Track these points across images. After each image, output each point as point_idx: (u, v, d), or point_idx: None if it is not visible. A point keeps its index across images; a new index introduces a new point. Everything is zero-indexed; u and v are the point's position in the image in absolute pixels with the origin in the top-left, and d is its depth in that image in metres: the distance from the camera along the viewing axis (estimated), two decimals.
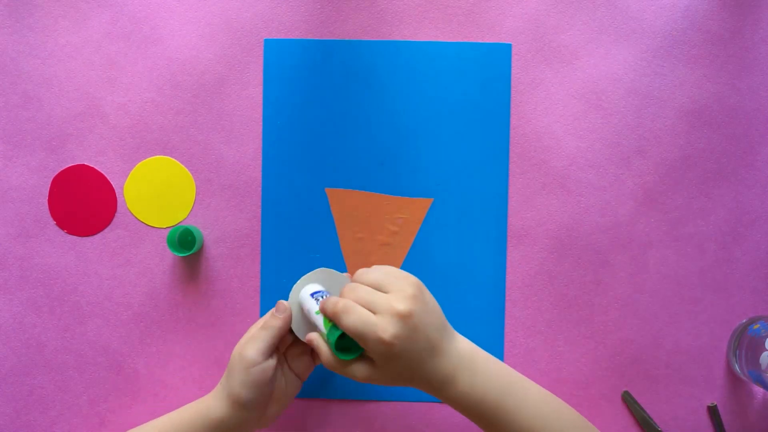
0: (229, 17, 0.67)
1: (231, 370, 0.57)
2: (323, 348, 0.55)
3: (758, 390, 0.66)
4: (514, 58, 0.66)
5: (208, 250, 0.67)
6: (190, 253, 0.64)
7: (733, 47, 0.66)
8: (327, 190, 0.67)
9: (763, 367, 0.60)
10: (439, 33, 0.67)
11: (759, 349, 0.61)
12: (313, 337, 0.56)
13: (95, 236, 0.67)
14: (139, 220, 0.66)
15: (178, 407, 0.66)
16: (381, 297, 0.52)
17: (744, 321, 0.66)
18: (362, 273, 0.56)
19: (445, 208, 0.66)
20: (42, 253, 0.67)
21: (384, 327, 0.51)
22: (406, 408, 0.66)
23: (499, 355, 0.66)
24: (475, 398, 0.53)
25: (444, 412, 0.66)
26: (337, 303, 0.53)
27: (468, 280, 0.66)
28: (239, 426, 0.57)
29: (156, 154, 0.67)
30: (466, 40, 0.66)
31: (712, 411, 0.65)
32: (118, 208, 0.67)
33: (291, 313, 0.57)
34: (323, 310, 0.54)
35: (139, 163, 0.66)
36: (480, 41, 0.66)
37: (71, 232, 0.65)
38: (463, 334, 0.58)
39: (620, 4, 0.66)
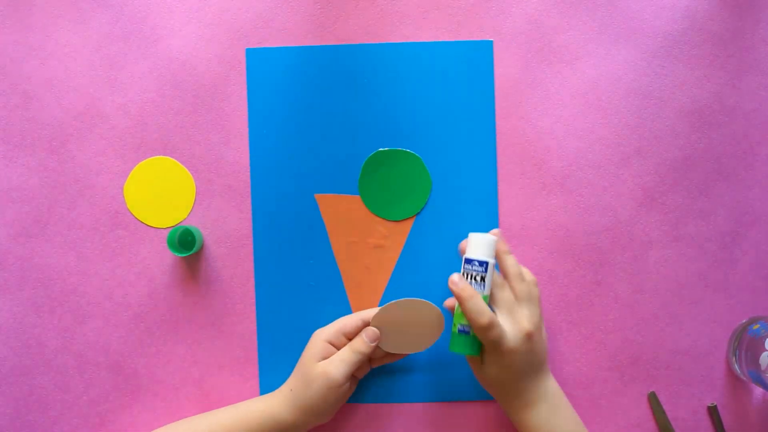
0: (228, 18, 0.67)
1: (310, 384, 0.60)
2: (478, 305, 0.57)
3: (758, 390, 0.66)
4: (513, 58, 0.67)
5: (208, 250, 0.67)
6: (190, 253, 0.64)
7: (733, 47, 0.66)
8: (317, 196, 0.66)
9: (763, 367, 0.60)
10: (439, 34, 0.67)
11: (759, 349, 0.61)
12: (449, 305, 0.63)
13: (95, 236, 0.67)
14: (138, 220, 0.66)
15: (178, 407, 0.66)
16: (518, 312, 0.59)
17: (744, 321, 0.66)
18: (514, 276, 0.60)
19: (436, 208, 0.66)
20: (42, 253, 0.67)
21: (511, 338, 0.57)
22: (406, 409, 0.66)
23: None
24: (545, 430, 0.59)
25: (444, 412, 0.66)
26: (483, 316, 0.56)
27: None
28: (305, 426, 0.61)
29: (156, 154, 0.67)
30: (465, 40, 0.66)
31: (712, 411, 0.65)
32: (118, 208, 0.67)
33: (379, 340, 0.61)
34: (465, 310, 0.57)
35: (139, 163, 0.66)
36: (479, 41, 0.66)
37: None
38: None
39: (620, 4, 0.66)
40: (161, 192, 0.66)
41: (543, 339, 0.60)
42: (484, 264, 0.58)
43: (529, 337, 0.58)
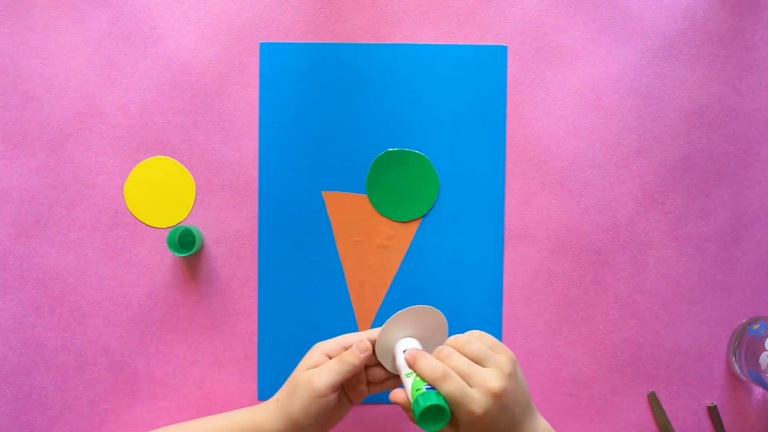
0: (228, 18, 0.67)
1: (294, 392, 0.57)
2: (409, 411, 0.55)
3: (758, 390, 0.66)
4: (513, 58, 0.67)
5: (208, 250, 0.67)
6: (190, 253, 0.63)
7: (733, 47, 0.66)
8: (324, 193, 0.67)
9: (763, 367, 0.60)
10: (439, 34, 0.67)
11: (759, 349, 0.61)
12: (400, 399, 0.55)
13: (95, 236, 0.67)
14: (139, 220, 0.66)
15: (178, 407, 0.66)
16: (478, 371, 0.53)
17: (744, 321, 0.66)
18: (462, 343, 0.56)
19: (443, 210, 0.66)
20: (42, 253, 0.67)
21: (478, 401, 0.52)
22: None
23: None
24: None
25: None
26: (436, 369, 0.53)
27: (465, 281, 0.66)
28: None
29: (156, 154, 0.67)
30: (465, 41, 0.66)
31: (712, 411, 0.65)
32: (118, 208, 0.67)
33: (370, 353, 0.57)
34: (415, 368, 0.54)
35: (139, 163, 0.66)
36: (480, 41, 0.66)
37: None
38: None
39: (620, 4, 0.66)
40: (161, 192, 0.66)
41: (518, 385, 0.55)
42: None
43: (497, 396, 0.52)
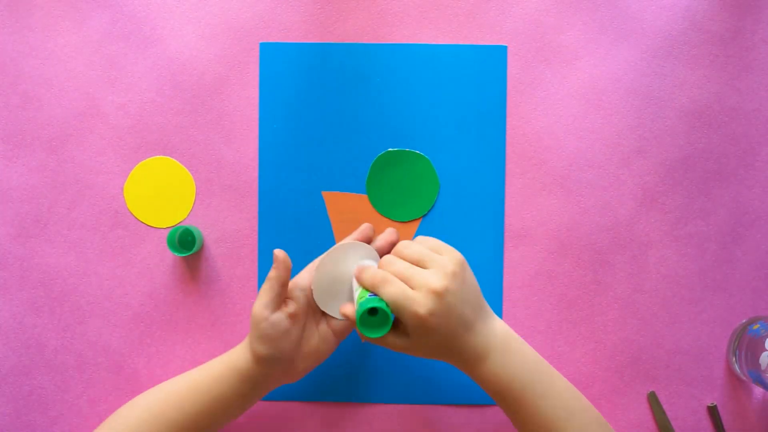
0: (228, 18, 0.67)
1: (251, 327, 0.58)
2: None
3: (758, 390, 0.66)
4: (513, 58, 0.66)
5: (208, 250, 0.67)
6: (190, 253, 0.64)
7: (733, 47, 0.66)
8: (324, 193, 0.67)
9: (763, 367, 0.60)
10: (439, 34, 0.67)
11: (759, 349, 0.61)
12: (348, 311, 0.56)
13: (95, 236, 0.67)
14: (139, 220, 0.66)
15: None
16: (419, 272, 0.53)
17: (744, 321, 0.66)
18: (403, 246, 0.56)
19: (443, 210, 0.66)
20: (42, 253, 0.67)
21: (420, 302, 0.52)
22: (405, 410, 0.66)
23: None
24: (505, 378, 0.54)
25: (443, 414, 0.66)
26: (376, 275, 0.53)
27: None
28: (265, 378, 0.58)
29: (156, 154, 0.67)
30: (465, 41, 0.66)
31: (712, 411, 0.65)
32: (118, 208, 0.67)
33: (288, 263, 0.57)
34: (359, 279, 0.54)
35: (139, 163, 0.66)
36: (480, 41, 0.66)
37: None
38: None
39: (620, 4, 0.66)
40: (161, 192, 0.66)
41: (465, 285, 0.54)
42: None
43: (439, 295, 0.52)
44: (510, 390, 0.55)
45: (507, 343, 0.55)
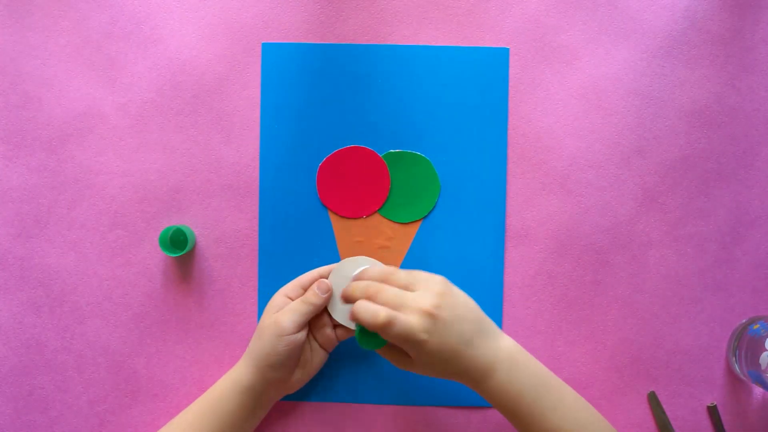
0: (228, 18, 0.67)
1: (261, 334, 0.60)
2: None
3: (758, 390, 0.66)
4: (513, 58, 0.66)
5: (208, 250, 0.67)
6: (182, 253, 0.63)
7: (733, 47, 0.66)
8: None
9: (763, 367, 0.60)
10: (439, 34, 0.67)
11: (759, 349, 0.61)
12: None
13: (95, 236, 0.67)
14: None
15: (178, 407, 0.66)
16: (408, 296, 0.54)
17: (744, 321, 0.66)
18: (389, 274, 0.57)
19: (444, 211, 0.66)
20: (42, 253, 0.67)
21: (417, 325, 0.53)
22: (406, 411, 0.66)
23: None
24: (514, 392, 0.55)
25: (444, 416, 0.66)
26: (378, 317, 0.53)
27: (466, 281, 0.66)
28: (267, 390, 0.61)
29: (156, 154, 0.67)
30: (465, 41, 0.66)
31: (712, 411, 0.65)
32: (118, 208, 0.67)
33: (331, 293, 0.61)
34: (359, 321, 0.54)
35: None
36: (480, 42, 0.66)
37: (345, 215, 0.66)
38: None
39: (620, 4, 0.66)
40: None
41: (456, 302, 0.55)
42: None
43: (431, 314, 0.53)
44: (519, 404, 0.55)
45: (514, 357, 0.56)
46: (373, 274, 0.58)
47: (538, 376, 0.56)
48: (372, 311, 0.53)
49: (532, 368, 0.56)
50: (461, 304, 0.56)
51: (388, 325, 0.52)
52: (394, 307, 0.54)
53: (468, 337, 0.54)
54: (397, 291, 0.55)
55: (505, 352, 0.56)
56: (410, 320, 0.53)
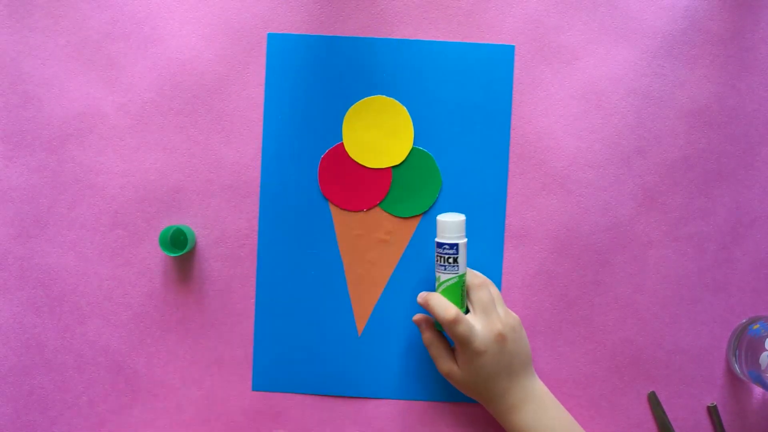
0: (229, 17, 0.67)
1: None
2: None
3: (758, 390, 0.66)
4: (514, 58, 0.66)
5: (208, 250, 0.67)
6: (183, 252, 0.63)
7: (733, 47, 0.66)
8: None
9: (763, 367, 0.60)
10: (439, 33, 0.67)
11: (759, 349, 0.61)
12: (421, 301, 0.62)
13: (95, 236, 0.67)
14: (355, 160, 0.66)
15: (178, 407, 0.66)
16: (495, 311, 0.60)
17: (744, 321, 0.66)
18: (489, 283, 0.62)
19: (444, 206, 0.66)
20: (42, 253, 0.67)
21: (482, 338, 0.58)
22: (406, 407, 0.66)
23: None
24: (536, 431, 0.59)
25: (443, 411, 0.66)
26: (448, 312, 0.58)
27: None
28: None
29: (156, 154, 0.67)
30: (466, 40, 0.66)
31: (712, 411, 0.65)
32: (118, 208, 0.67)
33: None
34: (430, 310, 0.59)
35: (360, 102, 0.66)
36: (480, 41, 0.66)
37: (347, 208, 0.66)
38: None
39: (620, 4, 0.66)
40: (379, 132, 0.66)
41: (520, 340, 0.61)
42: (454, 246, 0.60)
43: (500, 338, 0.58)
44: None
45: (543, 399, 0.61)
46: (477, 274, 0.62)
47: (563, 420, 0.60)
48: (444, 305, 0.58)
49: (557, 411, 0.60)
50: (522, 344, 0.61)
51: (454, 323, 0.57)
52: (483, 308, 0.59)
53: (514, 370, 0.60)
54: (492, 298, 0.60)
55: (537, 392, 0.61)
56: (476, 326, 0.58)
